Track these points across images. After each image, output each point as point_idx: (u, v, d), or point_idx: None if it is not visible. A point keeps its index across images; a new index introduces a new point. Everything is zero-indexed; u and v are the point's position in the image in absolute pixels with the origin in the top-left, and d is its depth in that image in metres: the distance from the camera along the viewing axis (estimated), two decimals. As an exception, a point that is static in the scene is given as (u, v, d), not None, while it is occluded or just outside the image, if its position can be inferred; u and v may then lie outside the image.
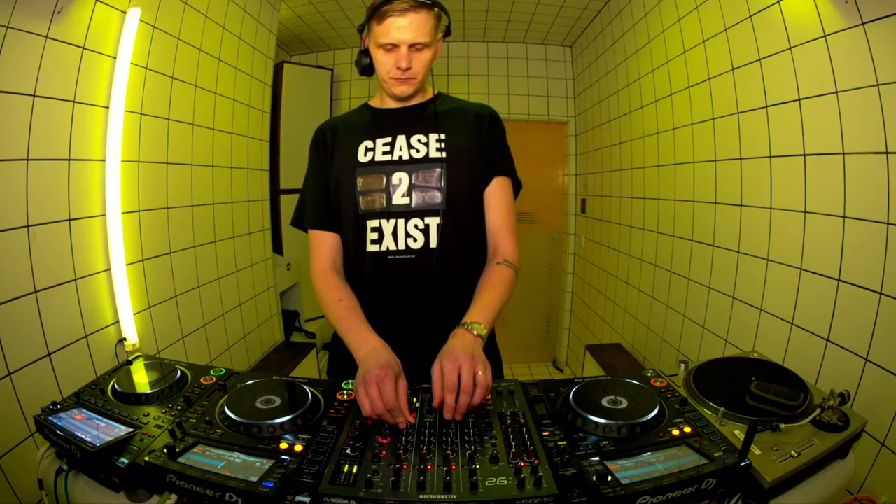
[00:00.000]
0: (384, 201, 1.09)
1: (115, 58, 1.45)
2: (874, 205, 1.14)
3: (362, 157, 1.11)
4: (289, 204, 3.13)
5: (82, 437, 0.78)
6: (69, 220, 1.33)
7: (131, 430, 0.82)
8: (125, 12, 1.46)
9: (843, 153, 1.23)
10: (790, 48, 1.38)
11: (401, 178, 1.09)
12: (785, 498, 0.76)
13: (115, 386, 0.96)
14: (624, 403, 0.86)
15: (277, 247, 2.97)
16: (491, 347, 1.18)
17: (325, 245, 1.15)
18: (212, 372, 1.05)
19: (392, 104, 1.16)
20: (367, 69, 1.11)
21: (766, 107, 1.50)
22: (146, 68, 1.60)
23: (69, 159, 1.32)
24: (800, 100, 1.36)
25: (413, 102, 1.16)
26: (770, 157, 1.50)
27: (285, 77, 3.15)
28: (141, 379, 1.02)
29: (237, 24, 2.18)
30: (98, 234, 1.43)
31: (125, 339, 1.49)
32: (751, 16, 1.54)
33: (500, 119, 1.18)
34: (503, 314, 1.08)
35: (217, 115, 2.07)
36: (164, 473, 0.70)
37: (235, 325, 2.24)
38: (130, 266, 1.52)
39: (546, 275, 3.87)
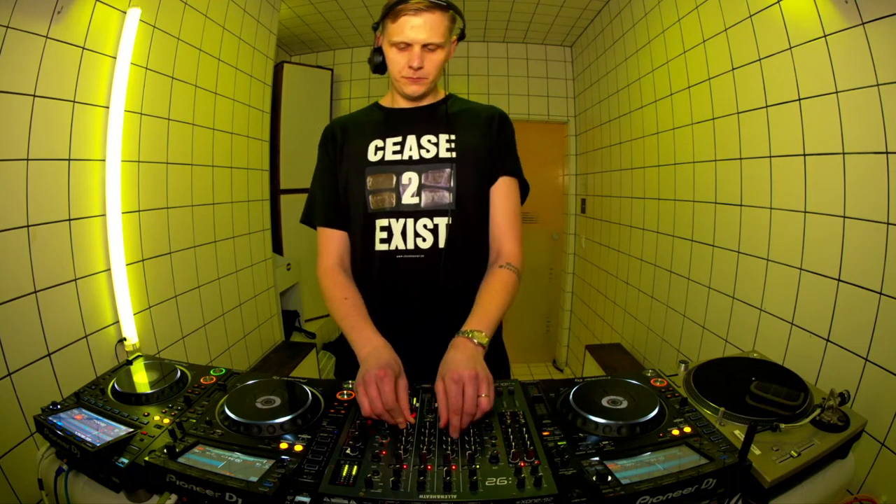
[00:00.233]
0: (394, 201, 1.09)
1: (115, 58, 1.44)
2: (874, 205, 1.14)
3: (372, 157, 1.11)
4: (289, 204, 3.13)
5: (82, 437, 0.78)
6: (69, 220, 1.33)
7: (131, 430, 0.82)
8: (125, 12, 1.46)
9: (843, 153, 1.23)
10: (790, 48, 1.38)
11: (410, 178, 1.09)
12: (785, 498, 0.76)
13: (115, 386, 0.96)
14: (624, 403, 0.86)
15: (277, 247, 2.97)
16: (497, 348, 1.18)
17: (333, 243, 1.15)
18: (212, 372, 1.05)
19: (403, 104, 1.16)
20: (380, 67, 1.11)
21: (766, 107, 1.50)
22: (146, 68, 1.60)
23: (69, 159, 1.32)
24: (800, 100, 1.36)
25: (424, 103, 1.16)
26: (770, 157, 1.50)
27: (285, 77, 3.15)
28: (141, 379, 1.02)
29: (237, 24, 2.18)
30: (98, 234, 1.43)
31: (125, 339, 1.49)
32: (751, 16, 1.54)
33: (510, 121, 1.18)
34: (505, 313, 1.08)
35: (217, 115, 2.07)
36: (164, 473, 0.70)
37: (235, 325, 2.24)
38: (130, 266, 1.52)
39: (546, 275, 3.87)
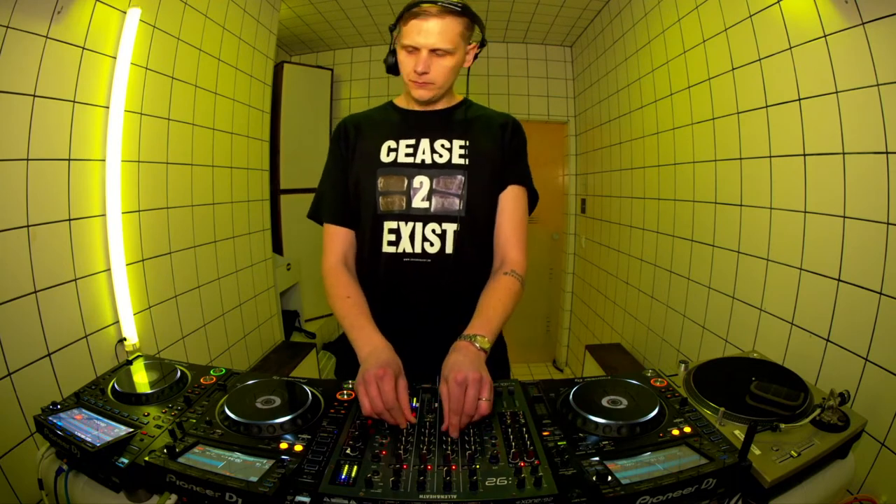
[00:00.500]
0: (404, 204, 1.08)
1: (115, 58, 1.44)
2: (874, 205, 1.14)
3: (385, 158, 1.11)
4: (289, 204, 3.13)
5: (82, 437, 0.78)
6: (69, 220, 1.33)
7: (131, 430, 0.81)
8: (125, 12, 1.46)
9: (843, 153, 1.23)
10: (790, 48, 1.38)
11: (422, 182, 1.09)
12: (785, 498, 0.76)
13: (115, 386, 0.96)
14: (624, 403, 0.86)
15: (277, 247, 2.97)
16: (498, 349, 1.18)
17: (338, 240, 1.15)
18: (212, 372, 1.04)
19: (417, 106, 1.15)
20: (393, 68, 1.11)
21: (766, 107, 1.50)
22: (146, 68, 1.60)
23: (69, 159, 1.32)
24: (800, 100, 1.36)
25: (439, 107, 1.15)
26: (770, 157, 1.50)
27: (285, 77, 3.15)
28: (141, 379, 1.02)
29: (237, 24, 2.18)
30: (98, 234, 1.43)
31: (125, 339, 1.49)
32: (751, 16, 1.54)
33: (523, 129, 1.18)
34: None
35: (217, 115, 2.07)
36: (164, 473, 0.70)
37: (235, 325, 2.24)
38: (130, 266, 1.52)
39: (546, 275, 3.87)
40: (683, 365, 1.02)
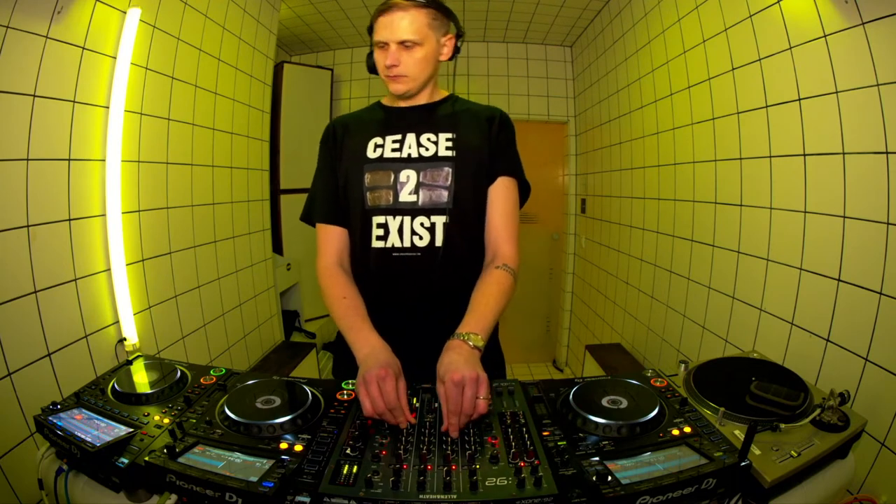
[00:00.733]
0: (391, 198, 1.09)
1: (115, 58, 1.44)
2: (874, 205, 1.14)
3: (371, 154, 1.11)
4: (289, 204, 3.13)
5: (82, 437, 0.78)
6: (69, 220, 1.33)
7: (131, 430, 0.82)
8: (125, 12, 1.46)
9: (843, 153, 1.23)
10: (790, 48, 1.38)
11: (409, 176, 1.09)
12: (785, 498, 0.76)
13: (115, 386, 0.96)
14: (624, 403, 0.86)
15: (277, 247, 2.97)
16: (493, 349, 1.18)
17: (332, 240, 1.15)
18: (212, 372, 1.05)
19: (402, 103, 1.16)
20: (373, 68, 1.13)
21: (766, 107, 1.50)
22: (146, 68, 1.60)
23: (69, 159, 1.32)
24: (800, 100, 1.36)
25: (423, 102, 1.16)
26: (770, 157, 1.50)
27: (285, 77, 3.15)
28: (141, 379, 1.02)
29: (237, 24, 2.18)
30: (98, 234, 1.43)
31: (125, 339, 1.49)
32: (751, 16, 1.54)
33: (510, 121, 1.18)
34: (503, 313, 1.08)
35: (217, 115, 2.07)
36: (164, 473, 0.70)
37: (235, 325, 2.24)
38: (130, 266, 1.52)
39: (546, 275, 3.87)
40: (683, 365, 1.02)
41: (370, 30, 1.09)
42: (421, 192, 1.08)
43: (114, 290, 1.47)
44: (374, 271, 1.10)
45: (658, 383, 0.97)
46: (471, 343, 0.91)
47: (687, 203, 2.03)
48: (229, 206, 2.21)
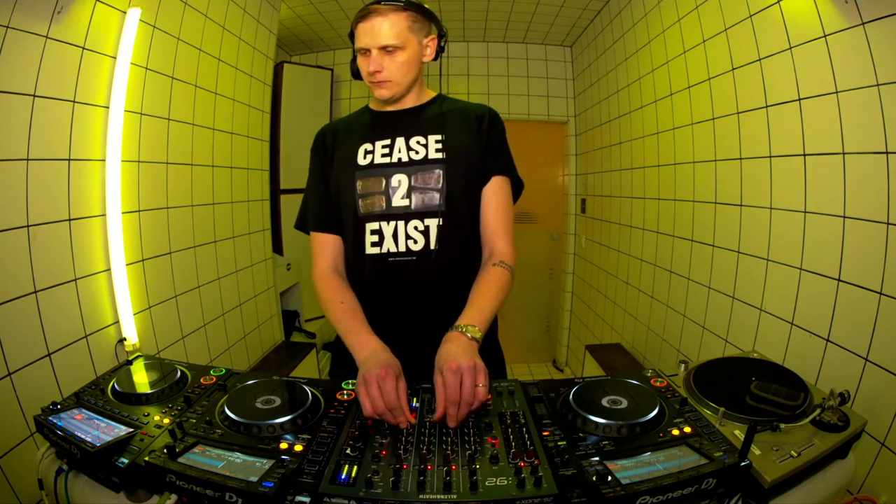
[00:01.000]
0: (384, 203, 1.09)
1: (115, 58, 1.44)
2: (874, 205, 1.14)
3: (361, 160, 1.11)
4: (289, 204, 3.13)
5: (82, 437, 0.78)
6: (69, 220, 1.33)
7: (131, 430, 0.82)
8: (125, 12, 1.46)
9: (843, 153, 1.23)
10: (790, 48, 1.38)
11: (400, 180, 1.09)
12: (785, 498, 0.76)
13: (115, 386, 0.96)
14: (624, 403, 0.86)
15: (277, 247, 2.97)
16: (493, 346, 1.18)
17: (327, 247, 1.15)
18: (212, 372, 1.05)
19: (390, 107, 1.16)
20: (357, 74, 1.13)
21: (766, 107, 1.50)
22: (146, 68, 1.60)
23: (69, 159, 1.32)
24: (800, 100, 1.36)
25: (410, 105, 1.15)
26: (770, 157, 1.50)
27: (285, 77, 3.15)
28: (141, 379, 1.02)
29: (237, 24, 2.18)
30: (98, 234, 1.43)
31: (125, 339, 1.49)
32: (751, 16, 1.54)
33: (500, 119, 1.18)
34: (503, 313, 1.08)
35: (217, 115, 2.07)
36: (164, 473, 0.70)
37: (235, 325, 2.24)
38: (130, 266, 1.52)
39: (546, 275, 3.87)
40: (683, 365, 1.02)
41: (351, 36, 1.08)
42: (413, 196, 1.08)
43: (114, 290, 1.47)
44: (369, 277, 1.10)
45: (658, 383, 0.97)
46: (469, 334, 0.91)
47: (687, 203, 2.03)
48: (229, 206, 2.21)
